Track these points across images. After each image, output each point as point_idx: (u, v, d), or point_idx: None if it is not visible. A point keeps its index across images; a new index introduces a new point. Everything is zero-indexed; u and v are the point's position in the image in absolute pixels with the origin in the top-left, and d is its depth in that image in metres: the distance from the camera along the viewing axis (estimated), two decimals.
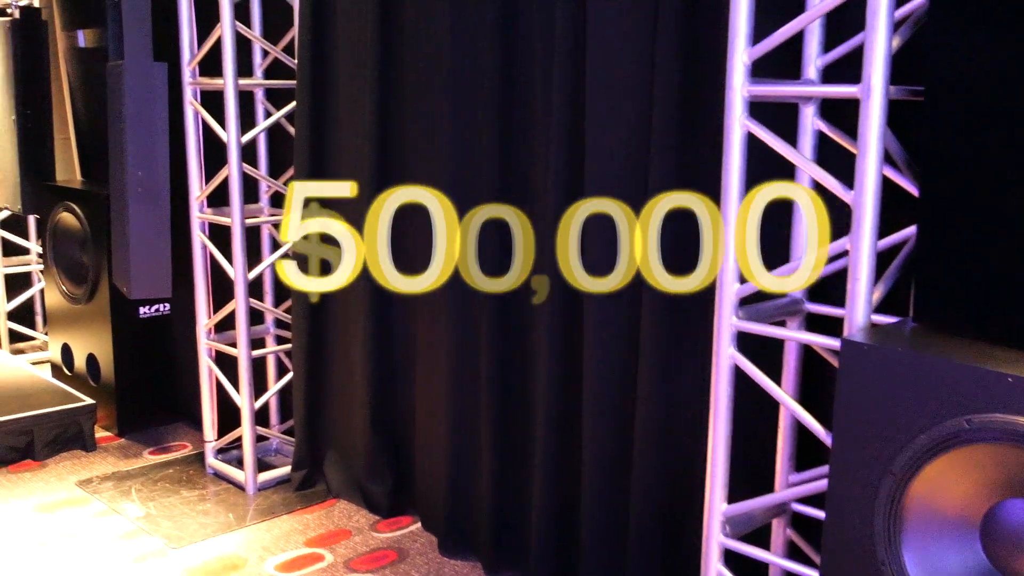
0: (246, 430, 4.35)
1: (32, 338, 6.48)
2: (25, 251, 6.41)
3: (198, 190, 4.40)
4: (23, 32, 5.27)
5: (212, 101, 4.33)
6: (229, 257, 4.29)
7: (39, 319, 6.60)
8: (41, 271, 6.39)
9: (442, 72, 3.57)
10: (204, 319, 4.49)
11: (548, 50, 3.23)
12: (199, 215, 4.41)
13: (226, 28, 4.04)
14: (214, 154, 4.36)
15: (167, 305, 5.14)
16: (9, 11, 5.44)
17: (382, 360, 4.03)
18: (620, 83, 3.02)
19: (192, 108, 4.33)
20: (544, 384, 3.35)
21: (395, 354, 4.03)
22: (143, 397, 5.16)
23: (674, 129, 2.87)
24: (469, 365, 3.65)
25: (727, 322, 2.46)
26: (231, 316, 4.34)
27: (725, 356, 2.48)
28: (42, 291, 6.45)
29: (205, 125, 4.34)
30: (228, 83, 4.08)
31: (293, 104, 4.27)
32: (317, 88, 4.10)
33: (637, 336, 3.03)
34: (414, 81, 3.75)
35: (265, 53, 4.51)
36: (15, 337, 6.29)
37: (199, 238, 4.42)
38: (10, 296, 6.27)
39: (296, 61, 4.18)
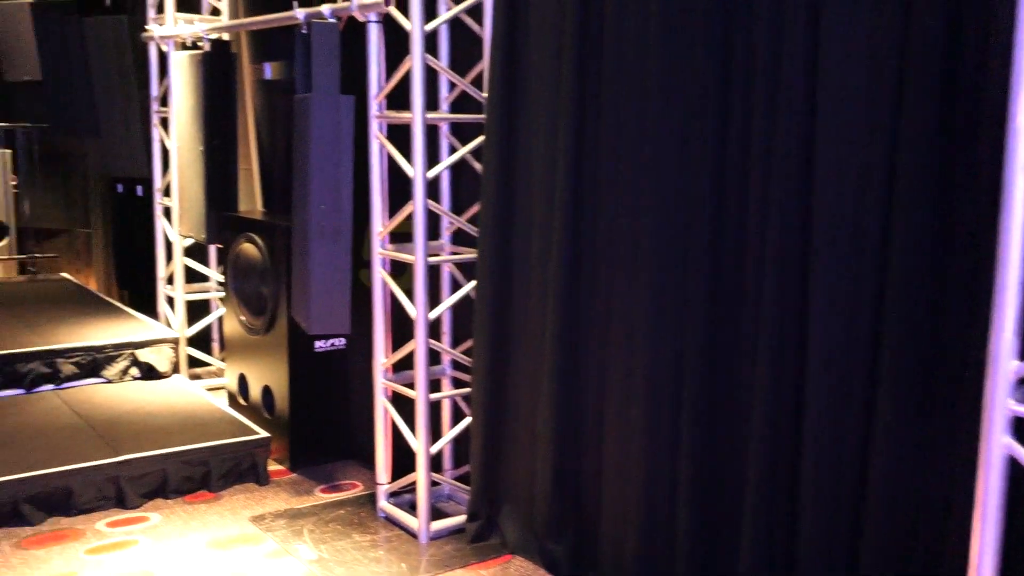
0: (421, 477, 4.19)
1: (208, 364, 6.57)
2: (205, 278, 6.52)
3: (381, 225, 4.29)
4: (213, 65, 5.33)
5: (395, 135, 4.22)
6: (408, 294, 4.16)
7: (215, 345, 6.69)
8: (220, 299, 6.47)
9: (648, 109, 3.32)
10: (382, 358, 4.37)
11: (771, 80, 2.93)
12: (381, 251, 4.29)
13: (416, 61, 3.92)
14: (394, 189, 4.25)
15: (343, 339, 5.07)
16: (200, 44, 5.53)
17: (569, 410, 3.79)
18: (854, 126, 2.70)
19: (378, 142, 4.23)
20: (755, 449, 3.03)
21: (584, 404, 3.78)
22: (316, 432, 5.10)
23: (927, 183, 2.52)
24: (667, 421, 3.37)
25: (1000, 406, 2.10)
26: (408, 355, 4.20)
27: (997, 445, 2.12)
28: (220, 319, 6.53)
29: (389, 159, 4.23)
30: (416, 117, 3.95)
31: (481, 139, 4.11)
32: (507, 123, 3.92)
33: (872, 400, 2.68)
34: (614, 118, 3.51)
35: (452, 86, 4.38)
36: (192, 362, 6.37)
37: (380, 275, 4.31)
38: (190, 322, 6.36)
39: (486, 95, 4.02)
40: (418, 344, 4.11)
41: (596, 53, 3.55)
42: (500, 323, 4.04)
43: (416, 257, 4.05)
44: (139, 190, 7.01)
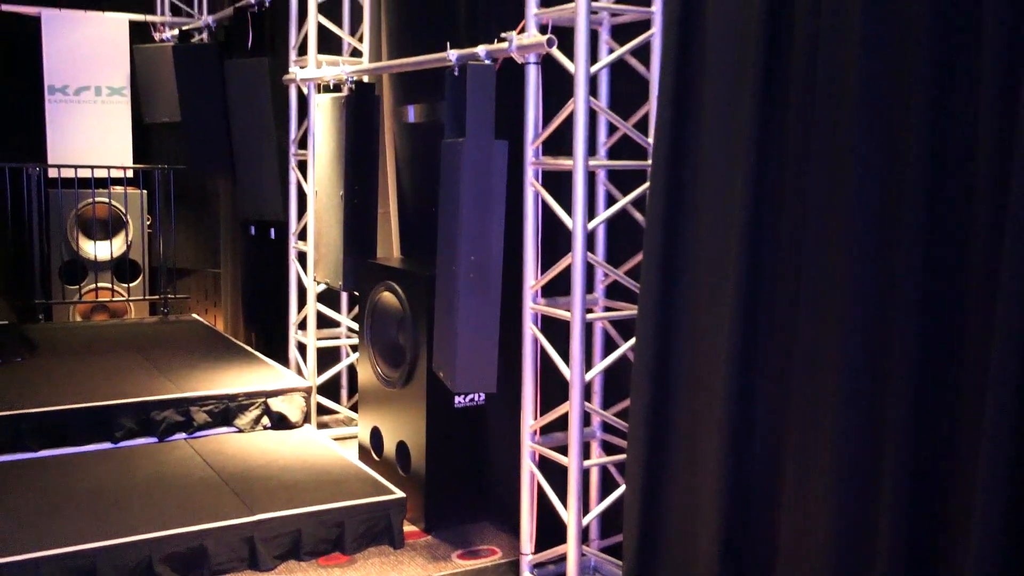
0: (572, 550, 3.87)
1: (336, 412, 6.40)
2: (336, 324, 6.37)
3: (533, 279, 4.02)
4: (356, 107, 5.19)
5: (547, 181, 3.97)
6: (561, 352, 3.87)
7: (344, 392, 6.52)
8: (351, 346, 6.31)
9: (844, 161, 2.97)
10: (530, 420, 4.08)
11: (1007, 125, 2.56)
12: (533, 306, 4.03)
13: (580, 105, 3.66)
14: (544, 238, 4.00)
15: (483, 395, 4.80)
16: (343, 86, 5.40)
17: (739, 475, 3.40)
18: None
19: (533, 189, 3.98)
20: (979, 544, 2.61)
21: (756, 468, 3.39)
22: (452, 492, 4.83)
23: None
24: (860, 498, 2.96)
25: None
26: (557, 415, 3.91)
27: None
28: (350, 366, 6.36)
29: (544, 208, 3.98)
30: (578, 164, 3.69)
31: (644, 187, 3.81)
32: (675, 170, 3.61)
33: None
34: (802, 170, 3.16)
35: (611, 130, 4.10)
36: (320, 410, 6.21)
37: (531, 331, 4.04)
38: (320, 369, 6.21)
39: (652, 139, 3.73)
40: (573, 407, 3.82)
41: (781, 101, 3.22)
42: (660, 384, 3.71)
43: (573, 314, 3.77)
44: (272, 233, 6.94)
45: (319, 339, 6.19)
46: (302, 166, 6.17)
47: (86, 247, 8.47)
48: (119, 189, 8.48)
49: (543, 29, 3.93)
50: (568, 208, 3.81)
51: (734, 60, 3.35)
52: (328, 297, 6.26)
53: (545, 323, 4.08)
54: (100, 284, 8.56)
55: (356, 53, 6.10)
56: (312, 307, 6.10)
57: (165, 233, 8.57)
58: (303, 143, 6.09)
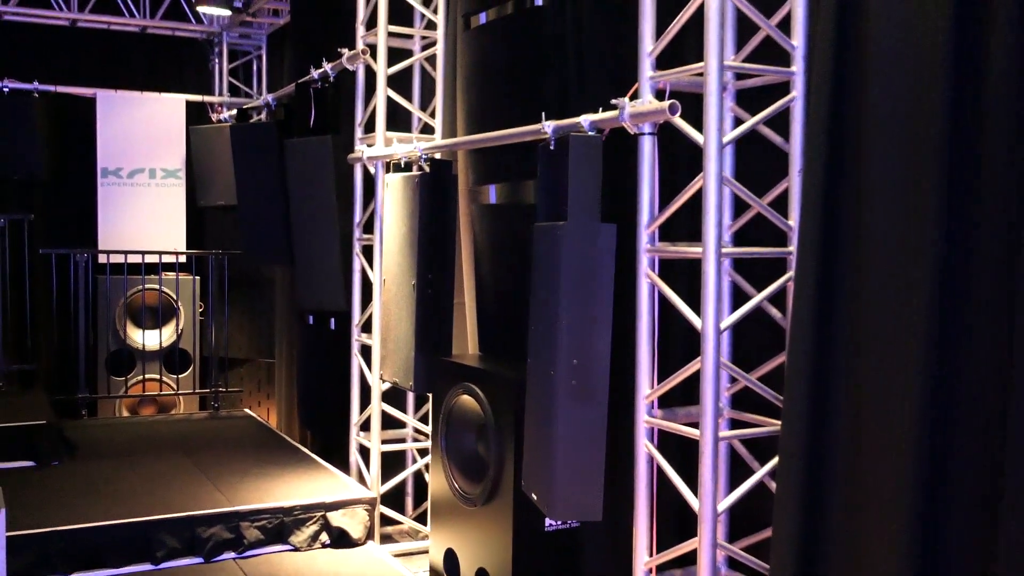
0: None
1: (400, 523, 5.75)
2: (401, 424, 5.75)
3: (648, 387, 3.39)
4: (431, 187, 4.65)
5: (665, 271, 3.39)
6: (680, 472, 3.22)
7: (409, 500, 5.88)
8: (418, 450, 5.68)
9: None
10: (645, 556, 3.40)
11: None
12: (648, 419, 3.38)
13: (711, 181, 3.07)
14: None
15: None
16: (414, 165, 4.89)
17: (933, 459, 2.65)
18: None
19: (648, 281, 3.37)
20: None
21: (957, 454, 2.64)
22: None
23: None
24: None
25: None
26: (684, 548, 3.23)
27: None
28: (417, 472, 5.73)
29: (662, 303, 3.37)
30: (709, 252, 3.08)
31: (785, 279, 3.19)
32: (828, 259, 2.98)
33: None
34: (994, 258, 2.52)
35: (738, 211, 3.50)
36: (383, 520, 5.56)
37: (646, 449, 3.39)
38: (384, 474, 5.58)
39: (794, 222, 3.12)
40: (703, 543, 3.13)
41: (971, 168, 2.60)
42: (811, 514, 3.03)
43: (703, 434, 3.12)
44: (332, 323, 6.39)
45: (384, 442, 5.57)
46: (367, 252, 5.63)
47: (134, 336, 8.00)
48: (171, 275, 8.03)
49: (659, 95, 3.37)
50: (691, 303, 3.20)
51: (908, 124, 2.74)
52: (393, 394, 5.65)
53: (661, 438, 3.44)
54: (148, 375, 8.05)
55: (427, 129, 5.60)
56: (376, 407, 5.49)
57: (218, 321, 8.08)
58: (369, 226, 5.57)
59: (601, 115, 3.43)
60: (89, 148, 8.08)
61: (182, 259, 8.11)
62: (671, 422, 3.33)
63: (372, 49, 5.47)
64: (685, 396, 3.50)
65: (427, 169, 4.68)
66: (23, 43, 8.13)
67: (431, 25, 5.54)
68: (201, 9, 7.75)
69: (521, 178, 4.43)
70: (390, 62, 5.39)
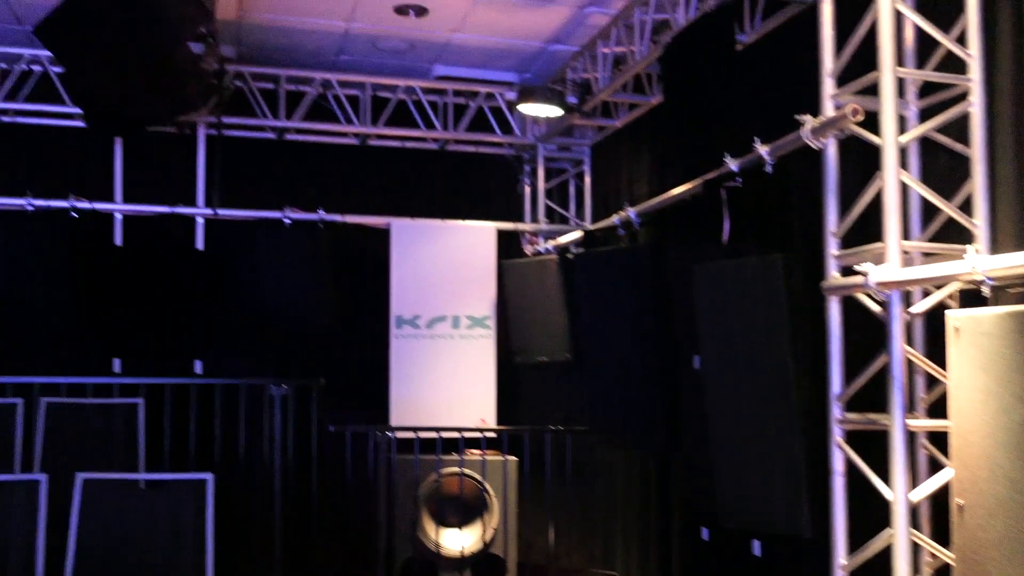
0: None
1: None
2: None
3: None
4: None
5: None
6: None
7: None
8: None
9: None
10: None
11: None
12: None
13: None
14: None
15: None
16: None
17: None
18: None
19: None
20: None
21: None
22: None
23: None
24: None
25: None
26: None
27: None
28: None
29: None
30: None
31: None
32: None
33: None
34: None
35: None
36: None
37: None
38: None
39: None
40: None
41: None
42: None
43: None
44: (755, 546, 4.09)
45: None
46: (858, 439, 3.34)
47: (434, 535, 5.99)
48: (477, 453, 6.03)
49: None
50: None
51: None
52: None
53: None
54: None
55: (950, 231, 3.36)
56: None
57: (540, 519, 5.96)
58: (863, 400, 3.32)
59: None
60: (381, 289, 6.38)
61: (493, 434, 6.13)
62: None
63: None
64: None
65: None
66: (307, 166, 6.69)
67: (954, 66, 3.38)
68: (524, 108, 5.97)
69: None
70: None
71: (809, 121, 3.47)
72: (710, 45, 4.18)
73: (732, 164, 3.96)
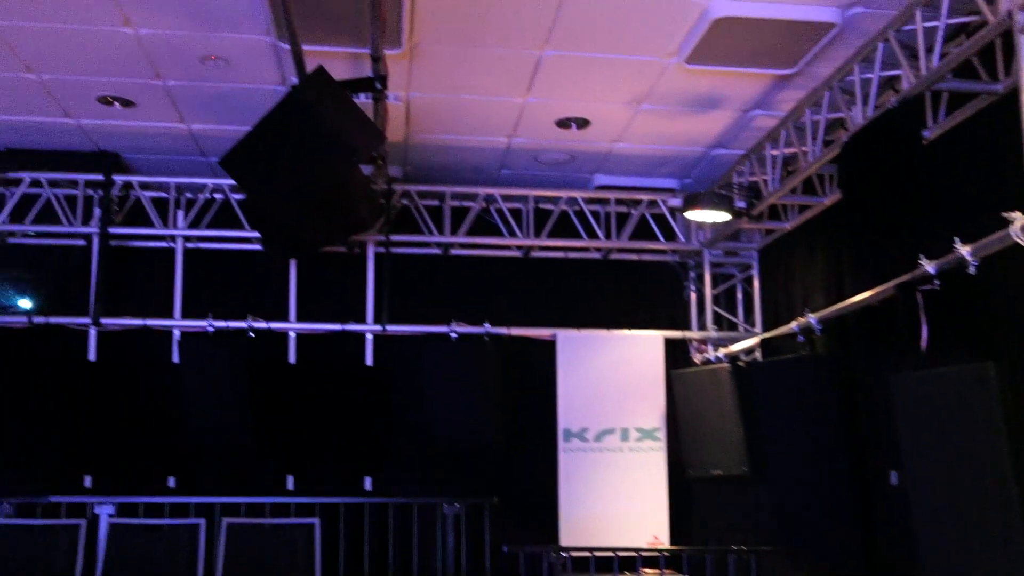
0: None
1: None
2: None
3: None
4: None
5: None
6: None
7: None
8: None
9: None
10: None
11: None
12: None
13: None
14: None
15: None
16: None
17: None
18: None
19: None
20: None
21: None
22: None
23: None
24: None
25: None
26: None
27: None
28: None
29: None
30: None
31: None
32: None
33: None
34: None
35: None
36: None
37: None
38: None
39: None
40: None
41: None
42: None
43: None
44: None
45: None
46: None
47: None
48: (653, 572, 5.75)
49: None
50: None
51: None
52: None
53: None
54: None
55: None
56: None
57: None
58: None
59: None
60: (548, 402, 6.27)
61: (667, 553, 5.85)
62: None
63: None
64: None
65: None
66: (472, 280, 6.71)
67: None
68: (691, 215, 5.85)
69: None
70: None
71: (1019, 219, 3.27)
72: (894, 142, 3.98)
73: (929, 266, 3.71)
